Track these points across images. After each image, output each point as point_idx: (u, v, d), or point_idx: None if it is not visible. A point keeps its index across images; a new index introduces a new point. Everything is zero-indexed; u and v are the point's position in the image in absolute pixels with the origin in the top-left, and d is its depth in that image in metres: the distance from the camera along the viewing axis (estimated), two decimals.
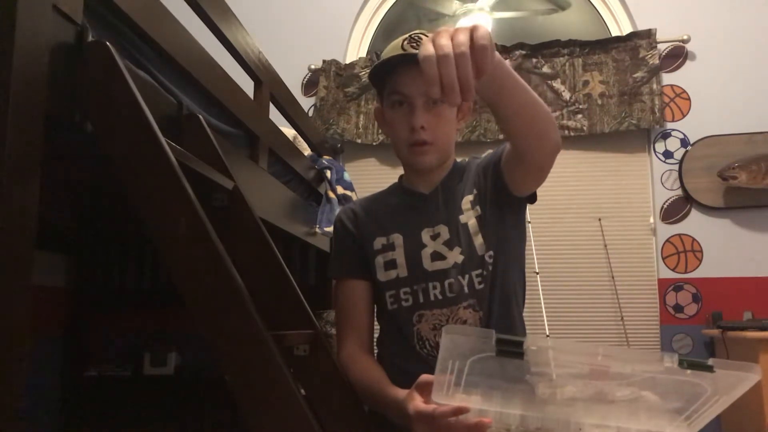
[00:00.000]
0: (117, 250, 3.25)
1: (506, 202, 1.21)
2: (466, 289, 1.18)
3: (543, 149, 1.05)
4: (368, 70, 3.35)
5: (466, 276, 1.18)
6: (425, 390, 0.93)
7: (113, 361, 3.08)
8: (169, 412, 3.01)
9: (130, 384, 3.03)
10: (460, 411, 0.85)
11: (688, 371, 0.74)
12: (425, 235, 1.22)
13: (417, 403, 0.93)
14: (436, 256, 1.20)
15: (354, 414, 1.21)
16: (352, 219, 1.29)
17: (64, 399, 3.05)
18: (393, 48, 1.18)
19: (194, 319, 0.90)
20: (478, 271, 1.19)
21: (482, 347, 0.75)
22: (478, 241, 1.19)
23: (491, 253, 1.20)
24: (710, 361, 0.73)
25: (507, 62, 0.98)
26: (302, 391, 1.05)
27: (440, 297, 1.18)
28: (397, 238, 1.23)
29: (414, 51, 1.11)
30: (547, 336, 2.90)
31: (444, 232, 1.21)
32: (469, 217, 1.21)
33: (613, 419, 0.83)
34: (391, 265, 1.22)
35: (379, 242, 1.24)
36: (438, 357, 0.80)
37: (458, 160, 1.31)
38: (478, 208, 1.21)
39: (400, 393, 1.03)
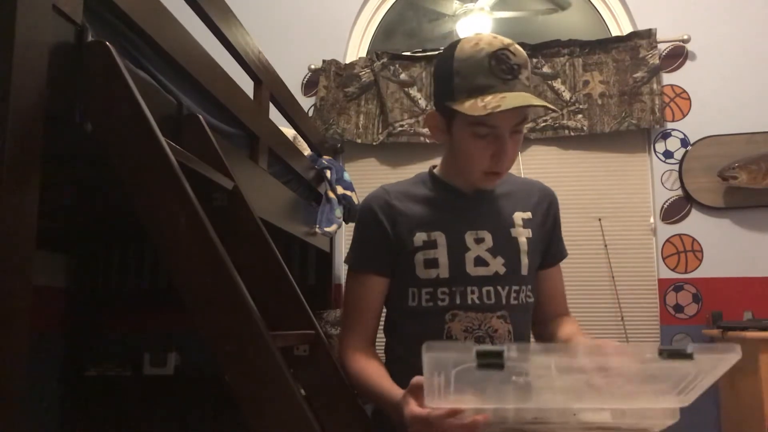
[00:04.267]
0: (117, 250, 3.25)
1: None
2: (503, 301, 1.19)
3: None
4: (368, 70, 3.38)
5: (506, 288, 1.20)
6: (419, 393, 0.93)
7: (113, 361, 3.08)
8: (169, 412, 3.01)
9: (130, 384, 3.03)
10: (454, 412, 0.85)
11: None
12: (469, 238, 1.21)
13: (412, 407, 0.93)
14: (479, 261, 1.20)
15: (354, 414, 1.21)
16: (386, 210, 1.23)
17: (64, 399, 3.05)
18: (477, 65, 1.09)
19: (194, 318, 0.90)
20: (517, 287, 1.21)
21: (464, 359, 0.76)
22: (524, 260, 1.22)
23: (530, 276, 1.24)
24: (689, 348, 0.75)
25: None
26: (302, 391, 1.05)
27: (477, 302, 1.19)
28: (440, 237, 1.20)
29: (505, 76, 1.08)
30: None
31: (488, 238, 1.21)
32: (520, 234, 1.23)
33: (607, 402, 0.84)
34: (432, 264, 1.20)
35: (419, 238, 1.21)
36: (423, 372, 0.80)
37: None
38: (529, 230, 1.24)
39: (397, 393, 1.03)
